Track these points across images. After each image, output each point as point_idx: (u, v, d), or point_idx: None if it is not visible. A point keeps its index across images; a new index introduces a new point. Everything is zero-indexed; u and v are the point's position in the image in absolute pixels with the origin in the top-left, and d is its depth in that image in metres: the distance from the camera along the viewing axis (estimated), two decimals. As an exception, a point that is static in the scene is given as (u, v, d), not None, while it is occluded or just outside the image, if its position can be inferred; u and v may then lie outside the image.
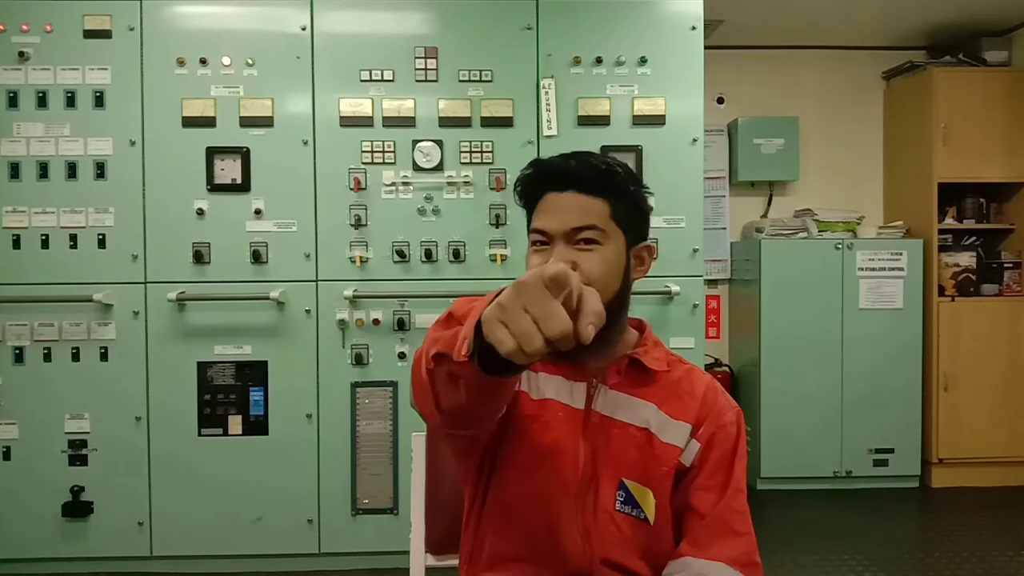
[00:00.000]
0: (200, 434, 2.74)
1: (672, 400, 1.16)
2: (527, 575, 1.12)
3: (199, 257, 2.71)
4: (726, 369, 4.10)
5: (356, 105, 2.74)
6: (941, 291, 3.76)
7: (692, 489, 1.13)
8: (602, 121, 2.77)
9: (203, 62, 2.71)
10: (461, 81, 2.76)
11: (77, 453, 2.72)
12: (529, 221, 1.18)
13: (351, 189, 2.73)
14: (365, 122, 2.74)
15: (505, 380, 0.84)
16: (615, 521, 1.11)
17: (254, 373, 2.75)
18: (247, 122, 2.72)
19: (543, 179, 1.15)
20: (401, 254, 2.74)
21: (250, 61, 2.72)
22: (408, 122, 2.74)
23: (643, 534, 1.12)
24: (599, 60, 2.77)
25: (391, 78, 2.75)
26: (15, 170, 2.70)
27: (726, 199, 4.16)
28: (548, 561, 1.11)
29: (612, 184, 1.13)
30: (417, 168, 2.74)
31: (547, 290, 0.69)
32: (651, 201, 1.21)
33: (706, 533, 1.09)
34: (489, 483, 1.16)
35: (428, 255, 2.73)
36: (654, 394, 1.16)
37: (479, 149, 2.75)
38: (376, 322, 2.75)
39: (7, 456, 2.72)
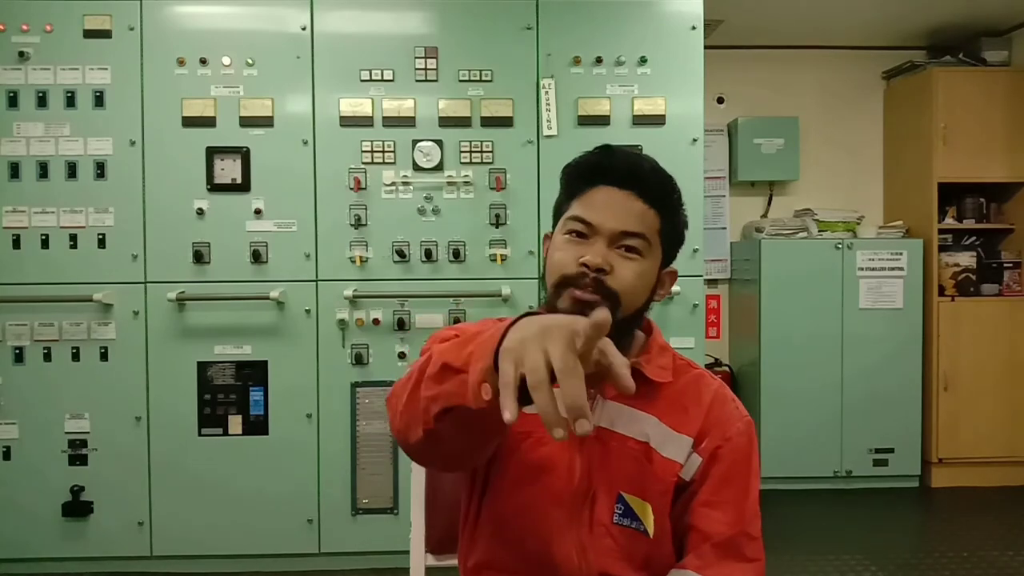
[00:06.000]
0: (200, 434, 2.74)
1: (675, 412, 1.09)
2: None
3: (199, 257, 2.71)
4: (726, 369, 4.10)
5: (356, 105, 2.74)
6: (941, 291, 3.76)
7: (694, 506, 1.06)
8: (602, 121, 2.77)
9: (203, 62, 2.71)
10: (461, 81, 2.75)
11: (77, 453, 2.72)
12: (564, 203, 1.10)
13: (351, 189, 2.73)
14: (365, 122, 2.74)
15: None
16: (612, 534, 1.06)
17: (254, 373, 2.75)
18: (247, 122, 2.72)
19: (606, 169, 1.07)
20: (401, 254, 2.73)
21: (250, 61, 2.72)
22: (408, 122, 2.74)
23: (642, 546, 1.07)
24: (599, 60, 2.77)
25: (391, 78, 2.74)
26: (15, 170, 2.70)
27: (726, 199, 4.16)
28: (541, 574, 1.07)
29: (670, 199, 1.10)
30: (417, 168, 2.74)
31: (573, 341, 0.70)
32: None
33: (715, 553, 1.03)
34: (484, 495, 1.13)
35: (428, 255, 2.73)
36: (656, 406, 1.08)
37: (479, 149, 2.75)
38: (376, 322, 2.75)
39: (7, 456, 2.72)
